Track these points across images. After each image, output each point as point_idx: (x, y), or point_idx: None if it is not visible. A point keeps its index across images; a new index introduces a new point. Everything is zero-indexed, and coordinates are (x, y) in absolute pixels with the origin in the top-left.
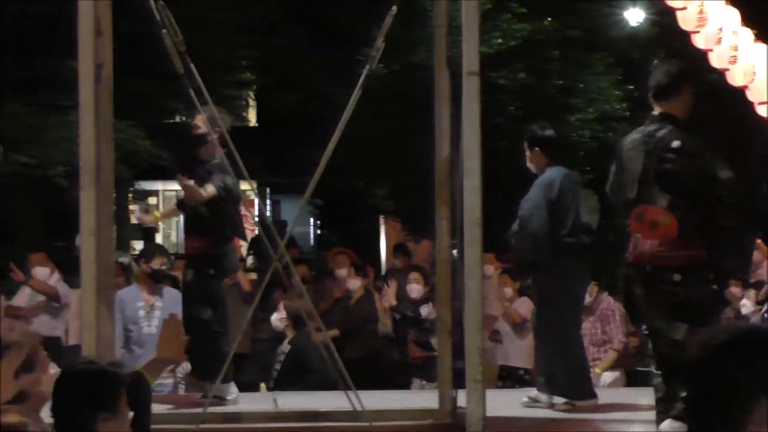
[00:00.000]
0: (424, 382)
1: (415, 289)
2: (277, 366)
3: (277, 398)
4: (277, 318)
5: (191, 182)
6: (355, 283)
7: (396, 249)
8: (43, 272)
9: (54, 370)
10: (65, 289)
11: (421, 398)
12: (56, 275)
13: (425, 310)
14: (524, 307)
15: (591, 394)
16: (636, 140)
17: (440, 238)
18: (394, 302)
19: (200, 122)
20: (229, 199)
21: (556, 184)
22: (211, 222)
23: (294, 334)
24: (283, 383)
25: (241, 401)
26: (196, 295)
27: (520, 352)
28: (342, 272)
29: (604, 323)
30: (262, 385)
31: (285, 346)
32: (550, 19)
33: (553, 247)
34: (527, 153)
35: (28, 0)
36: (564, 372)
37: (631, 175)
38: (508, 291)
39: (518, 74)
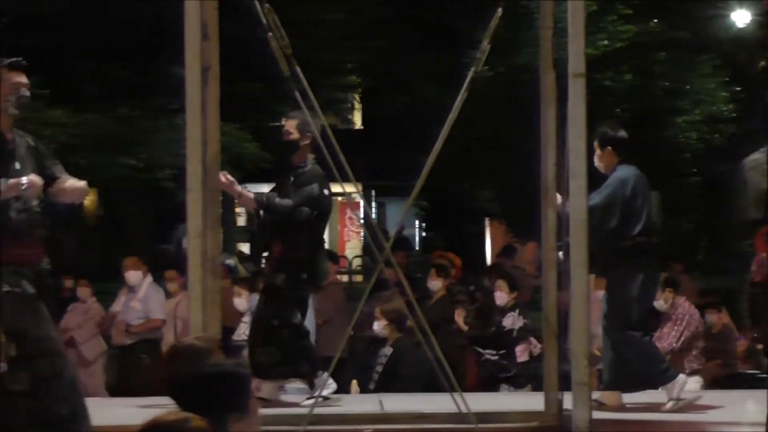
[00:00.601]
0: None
1: (501, 296)
2: (378, 368)
3: (382, 400)
4: (379, 326)
5: (248, 194)
6: (436, 284)
7: (504, 250)
8: (135, 276)
9: None
10: (160, 295)
11: (527, 401)
12: (148, 278)
13: (509, 320)
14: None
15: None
16: (758, 160)
17: (546, 240)
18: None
19: (291, 128)
20: (318, 206)
21: (629, 184)
22: (305, 228)
23: (396, 337)
24: (385, 386)
25: (346, 403)
26: (287, 299)
27: None
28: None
29: (679, 329)
30: (354, 383)
31: (387, 349)
32: (656, 20)
33: (624, 247)
34: (597, 152)
35: (137, 4)
36: (614, 369)
37: (756, 195)
38: (600, 293)
39: (624, 76)
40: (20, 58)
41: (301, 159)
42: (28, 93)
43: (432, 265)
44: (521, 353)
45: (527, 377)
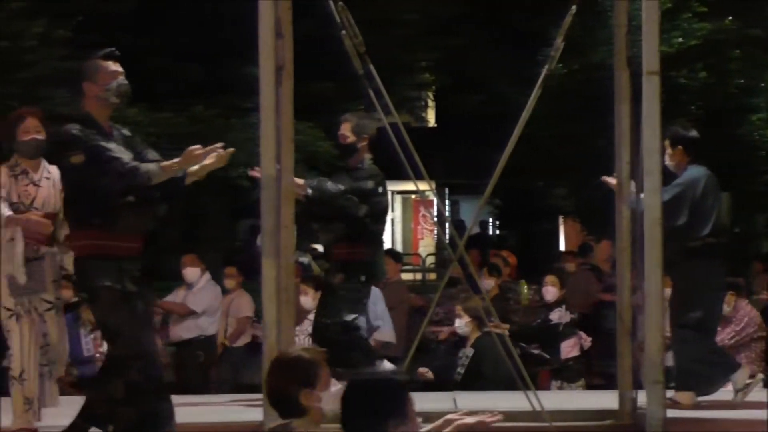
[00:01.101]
0: (561, 383)
1: (550, 292)
2: (460, 369)
3: (456, 397)
4: (461, 323)
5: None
6: (488, 284)
7: (580, 249)
8: (193, 273)
9: (336, 387)
10: (216, 291)
11: (601, 399)
12: (206, 276)
13: (556, 315)
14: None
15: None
16: None
17: (620, 238)
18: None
19: (346, 131)
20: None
21: (700, 184)
22: (366, 229)
23: (477, 336)
24: (468, 385)
25: (419, 401)
26: (345, 299)
27: None
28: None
29: (735, 329)
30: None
31: (468, 350)
32: (730, 18)
33: (693, 247)
34: (668, 150)
35: (211, 3)
36: (683, 370)
37: None
38: (667, 291)
39: (699, 74)
40: (114, 49)
41: (357, 161)
42: (125, 81)
43: (485, 264)
44: (571, 348)
45: (578, 372)
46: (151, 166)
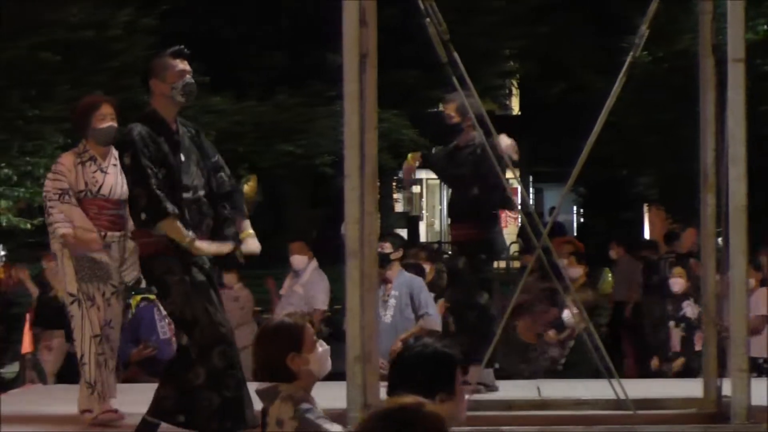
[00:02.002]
0: None
1: (678, 283)
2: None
3: (540, 386)
4: (568, 315)
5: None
6: (576, 272)
7: (666, 237)
8: (301, 260)
9: (322, 348)
10: (323, 279)
11: (686, 387)
12: (314, 263)
13: (689, 309)
14: (762, 298)
15: None
16: None
17: (705, 226)
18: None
19: (452, 111)
20: (487, 180)
21: None
22: (479, 206)
23: (585, 327)
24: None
25: (504, 389)
26: (471, 281)
27: (758, 342)
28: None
29: None
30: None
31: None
32: None
33: None
34: None
35: None
36: None
37: None
38: (750, 282)
39: None
40: (182, 46)
41: (465, 140)
42: (192, 80)
43: (572, 252)
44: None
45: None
46: (167, 220)
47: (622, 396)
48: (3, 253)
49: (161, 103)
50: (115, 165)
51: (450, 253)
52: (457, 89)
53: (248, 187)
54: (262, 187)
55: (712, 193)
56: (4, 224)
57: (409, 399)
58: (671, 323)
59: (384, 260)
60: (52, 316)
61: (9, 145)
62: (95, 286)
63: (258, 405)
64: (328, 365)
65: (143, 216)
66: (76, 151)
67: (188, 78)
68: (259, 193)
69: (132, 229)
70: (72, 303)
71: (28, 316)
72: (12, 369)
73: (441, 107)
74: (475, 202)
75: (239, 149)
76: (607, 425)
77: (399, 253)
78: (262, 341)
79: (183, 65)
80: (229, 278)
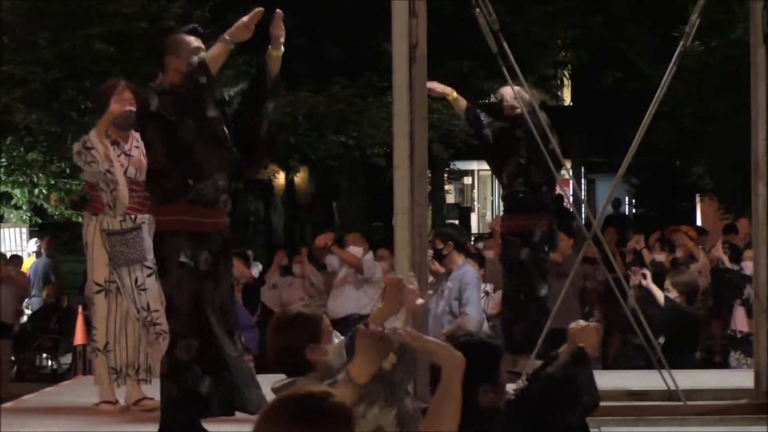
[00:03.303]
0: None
1: (749, 266)
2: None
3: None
4: (671, 297)
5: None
6: (660, 257)
7: (725, 229)
8: (356, 252)
9: (338, 339)
10: (376, 268)
11: (736, 378)
12: (369, 255)
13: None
14: None
15: None
16: None
17: (757, 216)
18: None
19: (514, 101)
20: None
21: None
22: (543, 199)
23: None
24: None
25: None
26: (533, 272)
27: None
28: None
29: None
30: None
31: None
32: None
33: None
34: None
35: None
36: None
37: None
38: None
39: None
40: (197, 25)
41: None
42: (204, 56)
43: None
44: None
45: None
46: (204, 54)
47: (672, 386)
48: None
49: (177, 79)
50: (137, 147)
51: (507, 243)
52: (507, 80)
53: (299, 178)
54: (314, 179)
55: (763, 183)
56: (56, 216)
57: (315, 387)
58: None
59: (437, 256)
60: None
61: (62, 137)
62: (127, 271)
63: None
64: (345, 356)
65: (199, 77)
66: (97, 133)
67: (202, 54)
68: (311, 185)
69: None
70: (98, 292)
71: (80, 308)
72: (65, 361)
73: (499, 97)
74: (544, 195)
75: (291, 140)
76: (658, 416)
77: (450, 247)
78: (280, 330)
79: (198, 42)
80: (298, 267)
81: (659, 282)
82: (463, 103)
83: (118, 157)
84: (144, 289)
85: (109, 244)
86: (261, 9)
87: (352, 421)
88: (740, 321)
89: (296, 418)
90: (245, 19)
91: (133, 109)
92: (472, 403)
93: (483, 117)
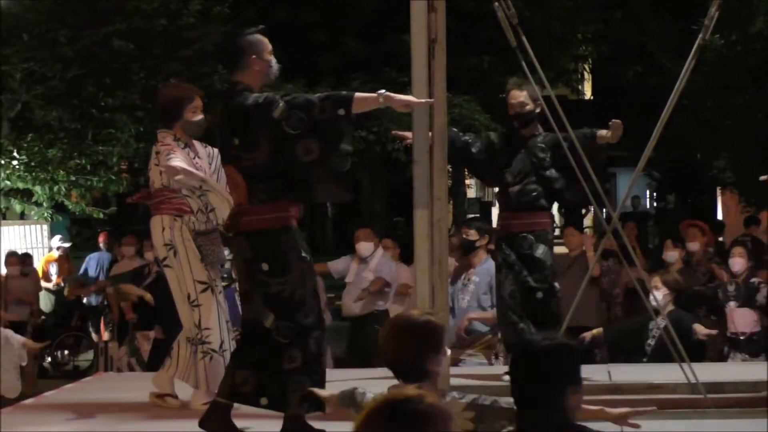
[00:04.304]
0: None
1: (738, 263)
2: (650, 341)
3: (611, 370)
4: (659, 295)
5: None
6: (672, 255)
7: (746, 221)
8: (367, 247)
9: (448, 350)
10: (391, 265)
11: (756, 370)
12: (380, 251)
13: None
14: None
15: None
16: None
17: None
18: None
19: (525, 98)
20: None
21: None
22: (559, 199)
23: (672, 309)
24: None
25: None
26: (551, 269)
27: None
28: (694, 245)
29: None
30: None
31: (660, 321)
32: None
33: None
34: None
35: None
36: None
37: None
38: None
39: None
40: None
41: (534, 129)
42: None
43: (675, 235)
44: (756, 322)
45: (762, 345)
46: (354, 98)
47: (692, 380)
48: (64, 244)
49: (256, 80)
50: (200, 152)
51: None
52: (527, 74)
53: None
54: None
55: None
56: (77, 213)
57: (411, 390)
58: (732, 303)
59: (469, 247)
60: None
61: (82, 134)
62: (215, 272)
63: None
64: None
65: (337, 109)
66: (170, 137)
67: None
68: None
69: (243, 207)
70: (204, 291)
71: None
72: (87, 357)
73: (506, 94)
74: (558, 193)
75: None
76: (678, 409)
77: (485, 240)
78: (406, 337)
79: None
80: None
81: None
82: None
83: (193, 160)
84: (198, 305)
85: (199, 242)
86: (430, 100)
87: (451, 421)
88: (741, 322)
89: (396, 424)
90: (412, 100)
91: (203, 117)
92: (561, 406)
93: (466, 136)
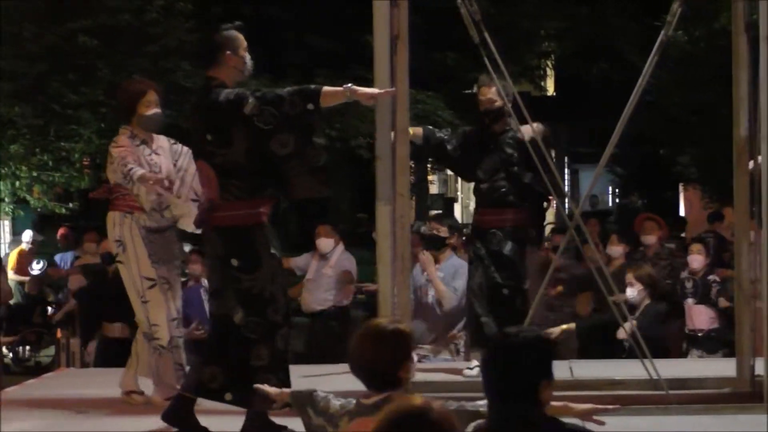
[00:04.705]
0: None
1: (697, 260)
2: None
3: (572, 366)
4: (633, 292)
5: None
6: (616, 251)
7: (709, 217)
8: (327, 243)
9: (416, 357)
10: (351, 262)
11: (719, 367)
12: (340, 247)
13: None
14: None
15: None
16: None
17: (739, 207)
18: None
19: (494, 95)
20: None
21: None
22: (531, 192)
23: (647, 304)
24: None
25: None
26: (520, 266)
27: None
28: (650, 239)
29: None
30: None
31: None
32: None
33: None
34: None
35: None
36: None
37: None
38: None
39: None
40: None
41: (504, 125)
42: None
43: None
44: (713, 319)
45: (719, 342)
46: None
47: (655, 376)
48: (36, 239)
49: (230, 76)
50: (162, 148)
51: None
52: (489, 71)
53: None
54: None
55: (745, 174)
56: (39, 209)
57: (417, 400)
58: (690, 300)
59: (438, 243)
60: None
61: (45, 130)
62: (167, 269)
63: None
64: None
65: (306, 104)
66: (126, 134)
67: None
68: None
69: (215, 203)
70: (151, 287)
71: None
72: (48, 353)
73: (477, 90)
74: (528, 188)
75: None
76: (641, 405)
77: (453, 238)
78: (375, 343)
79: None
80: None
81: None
82: (419, 131)
83: (149, 156)
84: (146, 301)
85: (149, 241)
86: (394, 90)
87: (455, 430)
88: (698, 319)
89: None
90: (376, 92)
91: (159, 111)
92: (535, 400)
93: (441, 133)
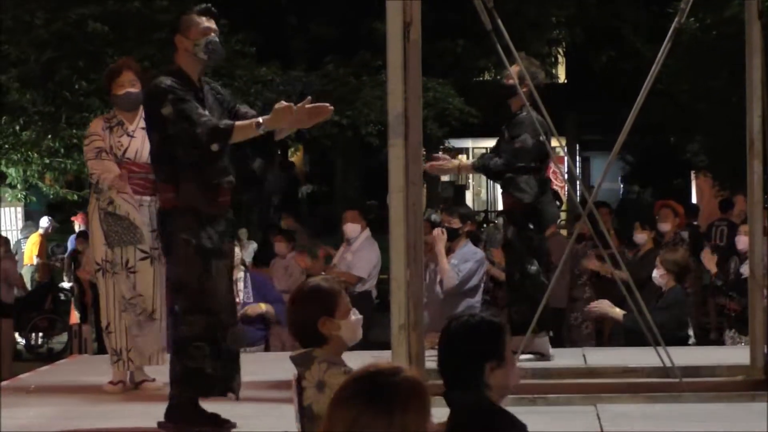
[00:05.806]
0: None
1: (743, 241)
2: None
3: (586, 354)
4: (657, 275)
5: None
6: (641, 237)
7: (720, 204)
8: (353, 228)
9: (355, 316)
10: (374, 248)
11: (732, 354)
12: (366, 233)
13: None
14: None
15: None
16: None
17: (752, 194)
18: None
19: (513, 74)
20: (532, 156)
21: None
22: (521, 177)
23: (671, 287)
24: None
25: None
26: (521, 250)
27: None
28: (665, 226)
29: None
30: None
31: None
32: None
33: None
34: None
35: None
36: None
37: None
38: None
39: None
40: (210, 5)
41: (518, 106)
42: (217, 40)
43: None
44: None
45: None
46: (232, 123)
47: (668, 363)
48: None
49: (185, 60)
50: (142, 128)
51: (496, 221)
52: (502, 58)
53: (296, 157)
54: (309, 158)
55: (758, 160)
56: (51, 196)
57: (384, 363)
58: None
59: (452, 234)
60: None
61: (56, 117)
62: (121, 252)
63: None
64: (359, 334)
65: (211, 144)
66: (106, 116)
67: (212, 36)
68: (306, 164)
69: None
70: (97, 272)
71: (75, 288)
72: (60, 340)
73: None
74: (519, 172)
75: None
76: (654, 393)
77: (467, 226)
78: (296, 303)
79: (209, 23)
80: (279, 247)
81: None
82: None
83: (119, 138)
84: (134, 272)
85: (106, 223)
86: (309, 98)
87: (425, 394)
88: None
89: (370, 397)
90: (290, 106)
91: (134, 90)
92: (480, 381)
93: (484, 159)
